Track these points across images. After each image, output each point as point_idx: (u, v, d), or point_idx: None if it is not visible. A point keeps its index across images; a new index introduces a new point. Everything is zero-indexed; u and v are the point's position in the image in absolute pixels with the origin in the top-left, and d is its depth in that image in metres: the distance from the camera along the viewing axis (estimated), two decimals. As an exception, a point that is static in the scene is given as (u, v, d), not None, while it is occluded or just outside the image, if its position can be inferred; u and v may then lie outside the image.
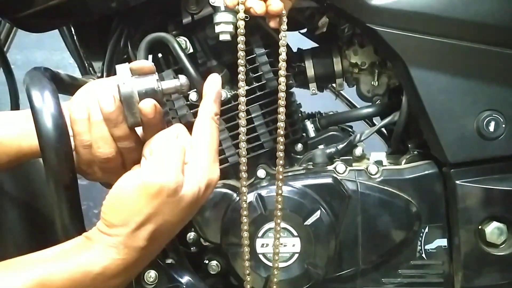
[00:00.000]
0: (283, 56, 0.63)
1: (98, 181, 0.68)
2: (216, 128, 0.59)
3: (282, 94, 0.61)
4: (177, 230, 0.57)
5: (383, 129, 0.93)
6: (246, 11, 0.62)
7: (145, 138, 0.61)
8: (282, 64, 0.62)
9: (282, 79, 0.62)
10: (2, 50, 1.01)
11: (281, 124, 0.61)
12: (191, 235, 0.86)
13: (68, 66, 1.76)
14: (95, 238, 0.53)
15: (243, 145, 0.63)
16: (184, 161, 0.56)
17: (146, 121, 0.58)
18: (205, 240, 0.82)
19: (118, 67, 0.59)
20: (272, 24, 0.64)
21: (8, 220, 0.81)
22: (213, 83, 0.60)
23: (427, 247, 0.78)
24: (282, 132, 0.64)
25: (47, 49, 1.93)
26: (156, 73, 0.60)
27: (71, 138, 0.59)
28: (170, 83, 0.60)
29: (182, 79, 0.60)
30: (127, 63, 0.60)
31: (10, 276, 0.51)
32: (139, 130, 0.61)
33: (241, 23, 0.62)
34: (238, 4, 0.62)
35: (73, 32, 0.85)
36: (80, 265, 0.51)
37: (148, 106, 0.57)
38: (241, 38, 0.62)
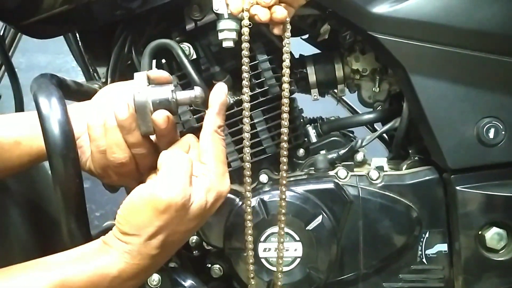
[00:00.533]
0: (286, 63, 0.63)
1: (113, 184, 0.69)
2: (220, 141, 0.61)
3: (285, 101, 0.62)
4: (187, 239, 0.60)
5: (384, 135, 0.94)
6: (251, 18, 0.63)
7: (158, 145, 0.63)
8: (286, 71, 0.63)
9: (285, 86, 0.63)
10: (7, 55, 1.02)
11: (284, 130, 0.62)
12: (193, 239, 0.86)
13: (70, 70, 1.77)
14: (112, 243, 0.56)
15: (247, 150, 0.64)
16: (192, 174, 0.57)
17: (159, 131, 0.59)
18: (208, 244, 0.83)
19: (136, 75, 0.60)
20: (276, 31, 0.65)
21: (13, 224, 0.82)
22: (218, 94, 0.61)
23: (427, 252, 0.78)
24: (286, 138, 0.65)
25: (50, 53, 1.94)
26: (172, 83, 0.61)
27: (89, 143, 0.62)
28: (185, 94, 0.60)
29: (197, 91, 0.60)
30: (145, 71, 0.61)
31: (31, 278, 0.53)
32: (153, 137, 0.62)
33: (246, 30, 0.63)
34: (242, 11, 0.63)
35: (78, 38, 0.86)
36: (99, 268, 0.54)
37: (160, 118, 0.58)
38: (245, 45, 0.63)
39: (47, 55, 1.94)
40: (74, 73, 0.80)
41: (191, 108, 0.77)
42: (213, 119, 0.60)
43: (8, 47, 1.05)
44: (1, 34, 1.01)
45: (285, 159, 0.66)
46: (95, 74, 0.87)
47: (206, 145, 0.60)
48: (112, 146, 0.60)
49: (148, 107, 0.58)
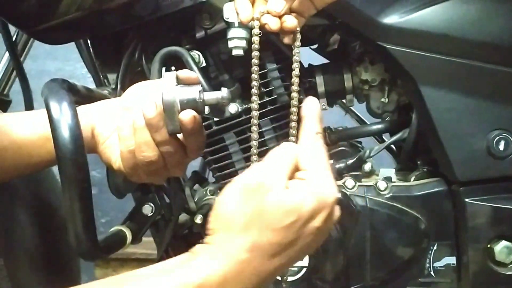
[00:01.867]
0: (296, 72, 0.63)
1: (142, 182, 0.69)
2: (322, 147, 0.55)
3: (294, 109, 0.62)
4: (286, 257, 0.51)
5: (392, 146, 0.94)
6: (261, 27, 0.63)
7: (185, 144, 0.63)
8: (295, 80, 0.63)
9: (294, 94, 0.63)
10: (19, 61, 1.03)
11: (292, 139, 0.62)
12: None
13: (80, 77, 1.78)
14: (198, 251, 0.51)
15: (254, 158, 0.64)
16: (293, 170, 0.52)
17: (185, 130, 0.60)
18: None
19: (165, 74, 0.61)
20: (286, 40, 0.65)
21: (20, 227, 0.82)
22: (313, 105, 0.58)
23: (435, 264, 0.78)
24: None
25: (60, 60, 1.96)
26: (201, 84, 0.62)
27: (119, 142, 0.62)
28: (212, 95, 0.61)
29: (224, 92, 0.61)
30: (174, 71, 0.62)
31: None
32: (180, 136, 0.63)
33: (256, 39, 0.63)
34: (253, 20, 0.63)
35: (89, 45, 0.87)
36: (180, 278, 0.49)
37: (187, 117, 0.58)
38: (255, 54, 0.63)
39: (57, 62, 1.95)
40: (83, 80, 0.81)
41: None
42: (313, 125, 0.56)
43: (20, 53, 1.06)
44: (13, 39, 1.02)
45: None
46: (105, 80, 0.87)
47: (309, 151, 0.54)
48: (141, 145, 0.60)
49: (176, 106, 0.59)
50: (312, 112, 0.57)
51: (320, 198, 0.50)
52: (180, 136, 0.63)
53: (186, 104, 0.59)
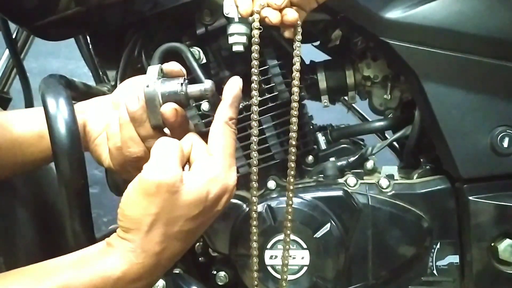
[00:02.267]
0: (297, 66, 0.63)
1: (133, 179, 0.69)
2: (231, 133, 0.59)
3: (295, 105, 0.61)
4: (192, 236, 0.57)
5: (395, 143, 0.93)
6: (261, 20, 0.62)
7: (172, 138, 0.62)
8: (296, 74, 0.62)
9: (295, 89, 0.62)
10: (19, 58, 1.02)
11: (293, 135, 0.61)
12: (199, 244, 0.85)
13: (82, 75, 1.78)
14: (115, 244, 0.54)
15: (254, 154, 0.63)
16: (185, 159, 0.56)
17: (168, 124, 0.59)
18: (214, 251, 0.82)
19: (150, 68, 0.60)
20: (287, 34, 0.64)
21: (20, 225, 0.82)
22: (232, 86, 0.60)
23: (438, 263, 0.77)
24: (294, 143, 0.64)
25: (62, 58, 1.96)
26: (184, 77, 0.61)
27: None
28: (195, 87, 0.60)
29: (207, 84, 0.60)
30: (159, 64, 0.61)
31: (32, 283, 0.52)
32: (168, 131, 0.62)
33: (256, 33, 0.62)
34: (253, 14, 0.63)
35: (89, 41, 0.86)
36: (101, 271, 0.53)
37: (168, 110, 0.58)
38: (255, 48, 0.62)
39: (59, 60, 1.96)
40: (85, 78, 0.81)
41: (200, 112, 0.77)
42: (225, 110, 0.59)
43: (20, 50, 1.06)
44: (14, 37, 1.02)
45: (293, 164, 0.64)
46: (104, 77, 0.87)
47: (215, 136, 0.58)
48: (127, 141, 0.60)
49: (157, 99, 0.58)
50: (231, 96, 0.59)
51: (222, 185, 0.56)
52: (167, 130, 0.62)
53: (168, 97, 0.58)
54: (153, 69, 0.60)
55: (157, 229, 0.53)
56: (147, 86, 0.58)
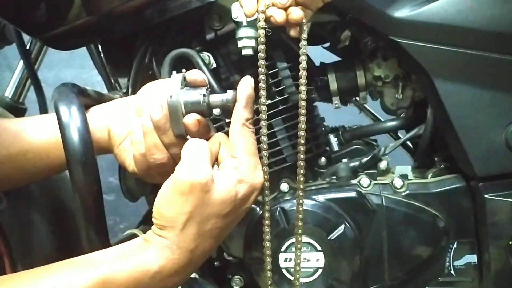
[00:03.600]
0: (303, 65, 0.63)
1: (157, 183, 0.70)
2: (250, 133, 0.60)
3: (303, 103, 0.61)
4: (222, 233, 0.59)
5: (408, 143, 0.92)
6: (267, 20, 0.63)
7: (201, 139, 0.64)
8: (303, 73, 0.63)
9: (302, 88, 0.62)
10: (33, 69, 1.04)
11: (301, 133, 0.61)
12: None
13: (96, 84, 1.80)
14: (152, 240, 0.57)
15: (264, 154, 0.63)
16: (214, 159, 0.59)
17: (191, 133, 0.61)
18: (228, 255, 0.82)
19: (173, 76, 0.62)
20: (292, 33, 0.65)
21: (37, 233, 0.83)
22: (244, 87, 0.61)
23: (455, 263, 0.75)
24: (303, 141, 0.64)
25: (76, 67, 1.99)
26: (207, 87, 0.62)
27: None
28: (217, 97, 0.61)
29: (229, 94, 0.61)
30: (183, 72, 0.63)
31: (72, 276, 0.54)
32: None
33: (262, 32, 0.63)
34: (258, 13, 0.63)
35: (100, 49, 0.87)
36: (139, 265, 0.55)
37: (191, 121, 0.59)
38: (262, 47, 0.62)
39: (73, 70, 1.98)
40: (99, 87, 0.81)
41: (212, 117, 0.77)
42: (240, 112, 0.60)
43: (34, 61, 1.08)
44: (27, 48, 1.03)
45: (302, 163, 0.64)
46: (116, 84, 0.88)
47: (236, 138, 0.60)
48: (151, 148, 0.62)
49: (180, 109, 0.59)
50: (245, 97, 0.60)
51: (250, 185, 0.58)
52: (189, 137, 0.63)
53: (191, 107, 0.59)
54: (176, 78, 0.61)
55: (191, 227, 0.56)
56: (171, 97, 0.59)
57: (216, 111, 0.77)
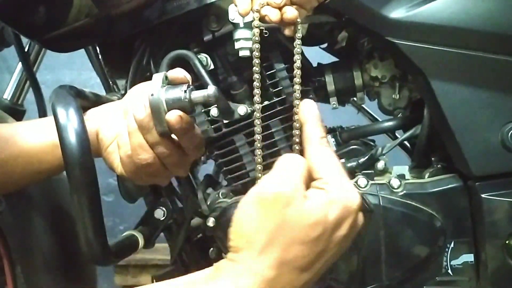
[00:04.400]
0: (297, 64, 0.63)
1: (146, 184, 0.70)
2: (330, 151, 0.54)
3: (297, 102, 0.62)
4: (312, 265, 0.48)
5: (406, 143, 0.92)
6: (261, 19, 0.63)
7: (181, 143, 0.63)
8: (297, 72, 0.63)
9: (297, 87, 0.63)
10: (32, 71, 1.04)
11: (296, 132, 0.61)
12: (213, 250, 0.86)
13: (95, 85, 1.80)
14: (223, 268, 0.49)
15: (258, 152, 0.63)
16: (308, 180, 0.51)
17: (174, 130, 0.60)
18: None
19: (155, 76, 0.61)
20: (287, 32, 0.65)
21: (36, 235, 0.83)
22: (308, 109, 0.57)
23: (453, 262, 0.76)
24: (297, 140, 0.64)
25: (75, 69, 1.99)
26: (189, 83, 0.62)
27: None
28: (199, 93, 0.61)
29: (211, 89, 0.61)
30: (164, 71, 0.63)
31: None
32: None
33: (256, 31, 0.63)
34: (253, 12, 0.63)
35: (98, 51, 0.88)
36: None
37: (173, 117, 0.58)
38: (256, 46, 0.63)
39: (73, 72, 1.99)
40: (98, 89, 0.81)
41: (209, 118, 0.77)
42: (312, 131, 0.54)
43: (32, 63, 1.08)
44: (26, 50, 1.04)
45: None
46: (114, 86, 0.88)
47: (316, 160, 0.52)
48: (136, 148, 0.61)
49: (162, 107, 0.59)
50: (312, 116, 0.56)
51: (343, 206, 0.49)
52: (175, 137, 0.63)
53: (172, 104, 0.59)
54: (157, 77, 0.61)
55: (271, 250, 0.47)
56: (152, 95, 0.59)
57: (214, 112, 0.77)
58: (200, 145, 0.67)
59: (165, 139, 0.61)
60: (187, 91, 0.60)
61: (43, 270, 0.85)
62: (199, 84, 0.77)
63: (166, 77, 0.62)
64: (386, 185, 0.77)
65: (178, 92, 0.59)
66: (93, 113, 0.69)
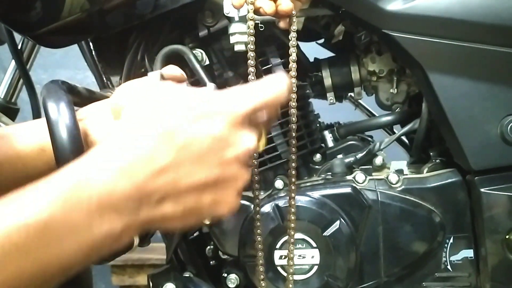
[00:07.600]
0: (293, 57, 0.62)
1: None
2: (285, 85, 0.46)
3: (293, 96, 0.61)
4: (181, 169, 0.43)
5: (403, 138, 0.91)
6: (256, 11, 0.62)
7: None
8: (293, 65, 0.62)
9: (292, 80, 0.62)
10: (25, 68, 1.03)
11: (293, 126, 0.60)
12: (209, 248, 0.85)
13: (90, 85, 1.79)
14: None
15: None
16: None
17: None
18: (224, 253, 0.81)
19: (150, 74, 0.60)
20: (282, 24, 0.64)
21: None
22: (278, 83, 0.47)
23: (452, 258, 0.75)
24: (294, 134, 0.63)
25: (71, 68, 1.98)
26: (186, 82, 0.61)
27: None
28: None
29: (210, 87, 0.60)
30: (159, 70, 0.61)
31: None
32: None
33: (251, 23, 0.62)
34: (247, 4, 0.62)
35: (92, 47, 0.86)
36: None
37: None
38: (251, 39, 0.62)
39: (68, 71, 1.97)
40: (94, 87, 0.80)
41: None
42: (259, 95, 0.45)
43: (26, 61, 1.07)
44: (19, 47, 1.02)
45: (294, 156, 0.64)
46: (108, 82, 0.87)
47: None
48: None
49: None
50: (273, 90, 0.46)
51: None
52: None
53: None
54: (153, 75, 0.59)
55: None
56: None
57: None
58: None
59: None
60: None
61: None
62: (194, 79, 0.76)
63: (162, 76, 0.60)
64: (384, 180, 0.76)
65: None
66: (80, 113, 0.67)
